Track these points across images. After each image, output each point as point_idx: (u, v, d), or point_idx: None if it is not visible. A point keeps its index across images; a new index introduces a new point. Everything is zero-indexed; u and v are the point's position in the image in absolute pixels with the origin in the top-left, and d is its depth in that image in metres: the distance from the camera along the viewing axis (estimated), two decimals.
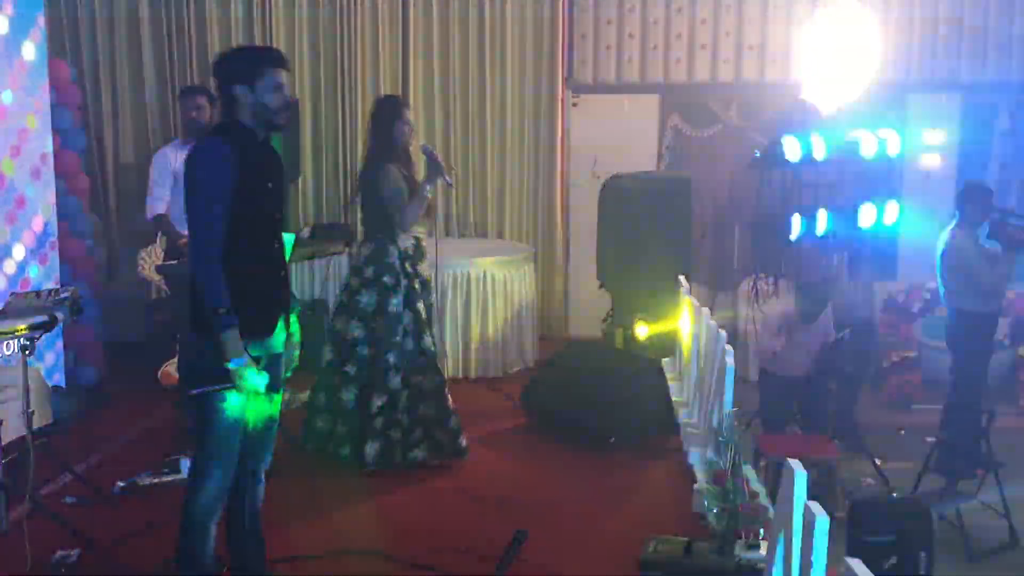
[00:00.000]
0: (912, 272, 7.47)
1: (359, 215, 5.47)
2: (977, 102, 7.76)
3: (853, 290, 6.74)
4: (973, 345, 5.74)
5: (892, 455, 5.96)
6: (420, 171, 4.95)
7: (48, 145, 5.78)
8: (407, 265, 4.87)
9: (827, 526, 2.31)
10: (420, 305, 4.90)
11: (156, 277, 6.03)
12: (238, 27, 7.63)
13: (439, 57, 7.75)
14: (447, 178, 4.83)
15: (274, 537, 3.70)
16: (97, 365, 6.33)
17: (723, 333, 4.64)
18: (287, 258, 3.53)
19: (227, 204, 3.11)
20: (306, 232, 7.53)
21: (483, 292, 6.75)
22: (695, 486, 4.37)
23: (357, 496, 4.68)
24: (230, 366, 3.10)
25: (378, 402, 4.81)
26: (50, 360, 5.76)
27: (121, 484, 4.66)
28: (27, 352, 4.10)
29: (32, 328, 4.08)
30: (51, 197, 5.79)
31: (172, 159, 5.38)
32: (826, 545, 2.32)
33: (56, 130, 5.89)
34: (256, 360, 3.20)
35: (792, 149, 5.86)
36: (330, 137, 7.80)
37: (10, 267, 5.46)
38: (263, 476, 3.51)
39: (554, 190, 7.87)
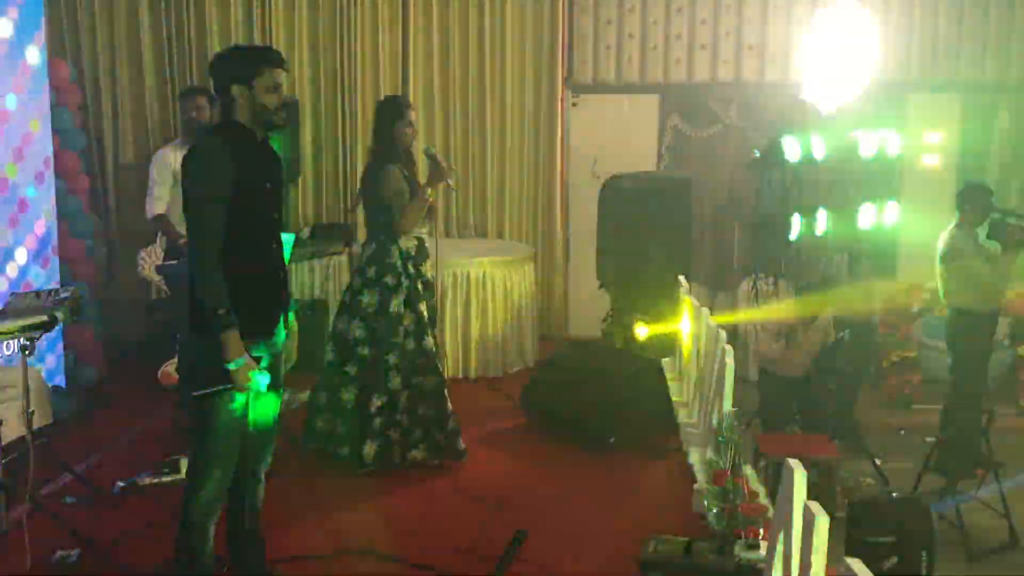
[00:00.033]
0: (912, 272, 7.46)
1: (361, 216, 5.48)
2: (977, 102, 7.76)
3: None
4: (973, 345, 5.74)
5: (892, 455, 5.96)
6: (422, 171, 4.96)
7: (50, 148, 5.78)
8: (409, 265, 4.87)
9: (827, 526, 2.31)
10: (422, 306, 4.91)
11: (156, 277, 6.03)
12: (238, 27, 7.62)
13: (439, 57, 7.75)
14: (449, 182, 4.85)
15: (274, 537, 3.70)
16: (97, 365, 6.33)
17: (723, 333, 4.65)
18: (287, 258, 3.53)
19: (225, 204, 3.12)
20: (306, 232, 7.53)
21: (483, 292, 6.75)
22: (695, 486, 4.37)
23: (357, 496, 4.68)
24: (231, 367, 3.11)
25: (378, 402, 4.81)
26: (51, 362, 5.76)
27: (121, 484, 4.66)
28: (27, 352, 4.10)
29: (31, 328, 4.08)
30: (53, 201, 5.80)
31: (172, 159, 5.39)
32: (826, 545, 2.32)
33: (56, 130, 5.90)
34: (257, 360, 3.21)
35: (792, 149, 5.87)
36: (330, 137, 7.80)
37: (12, 271, 5.46)
38: (263, 476, 3.51)
39: (554, 190, 7.87)
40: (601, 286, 6.84)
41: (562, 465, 5.21)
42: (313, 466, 4.96)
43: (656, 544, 3.76)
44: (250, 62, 3.23)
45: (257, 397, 3.31)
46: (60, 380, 5.84)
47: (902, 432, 6.49)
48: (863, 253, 6.40)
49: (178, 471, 4.67)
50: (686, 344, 5.69)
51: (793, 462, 2.58)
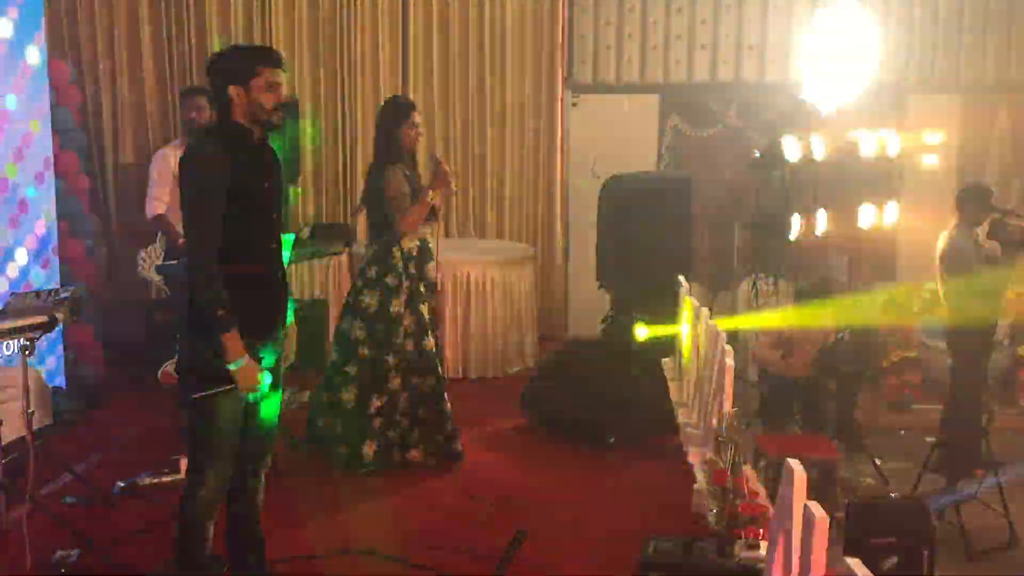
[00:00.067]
0: (912, 272, 7.46)
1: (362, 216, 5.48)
2: (977, 102, 7.76)
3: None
4: (973, 345, 5.73)
5: (892, 455, 5.95)
6: (425, 173, 4.97)
7: (50, 149, 5.78)
8: (411, 266, 4.88)
9: (827, 526, 2.31)
10: (423, 307, 4.91)
11: (156, 277, 6.03)
12: (238, 27, 7.62)
13: (439, 57, 7.75)
14: (451, 190, 4.85)
15: (274, 537, 3.70)
16: (97, 365, 6.33)
17: (723, 333, 4.64)
18: (286, 258, 3.52)
19: (222, 204, 3.11)
20: (306, 232, 7.52)
21: (483, 292, 6.75)
22: (695, 486, 4.36)
23: (356, 496, 4.68)
24: (231, 367, 3.10)
25: (377, 403, 4.82)
26: (51, 362, 5.76)
27: (121, 484, 4.66)
28: (27, 352, 4.10)
29: (31, 328, 4.08)
30: (53, 201, 5.80)
31: (172, 159, 5.38)
32: (826, 545, 2.32)
33: (56, 130, 5.89)
34: (259, 360, 3.20)
35: (792, 149, 5.87)
36: (330, 137, 7.80)
37: (13, 271, 5.46)
38: (263, 476, 3.51)
39: (554, 190, 7.87)
40: (601, 286, 6.83)
41: (562, 465, 5.21)
42: (313, 466, 4.96)
43: (656, 544, 3.76)
44: (247, 62, 3.22)
45: (255, 397, 3.30)
46: (60, 380, 5.84)
47: (902, 432, 6.49)
48: (863, 253, 6.41)
49: (178, 471, 4.66)
50: (686, 344, 5.68)
51: (793, 462, 2.58)
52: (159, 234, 5.88)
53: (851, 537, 4.18)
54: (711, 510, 3.67)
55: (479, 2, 7.68)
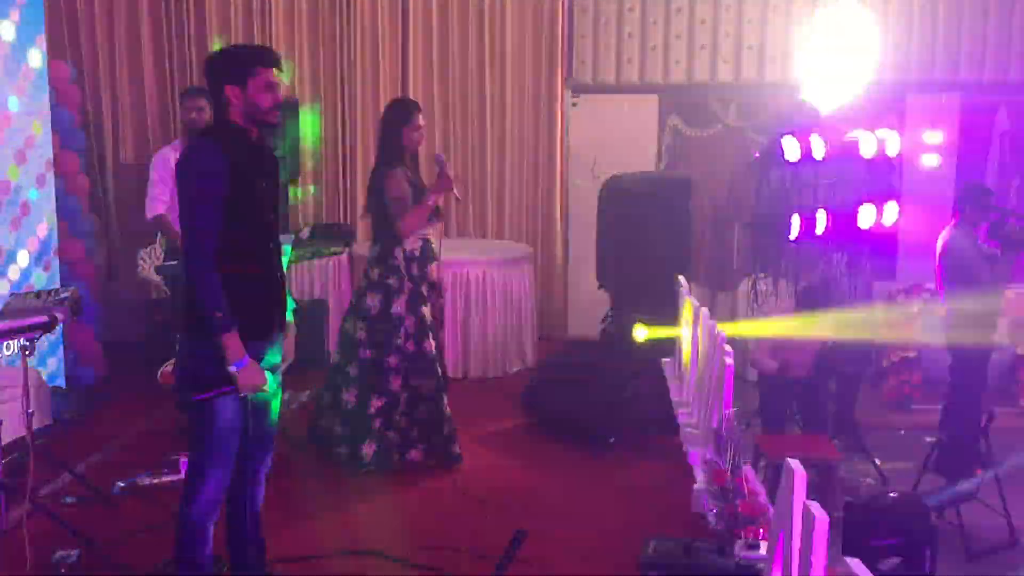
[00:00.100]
0: (912, 272, 7.46)
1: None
2: (977, 102, 7.76)
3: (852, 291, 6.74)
4: (973, 345, 5.73)
5: (892, 455, 5.95)
6: (426, 174, 4.97)
7: (51, 151, 5.78)
8: (413, 267, 4.88)
9: (827, 526, 2.31)
10: (425, 308, 4.91)
11: (156, 277, 6.04)
12: (238, 27, 7.62)
13: (439, 57, 7.75)
14: (455, 192, 4.85)
15: (274, 537, 3.70)
16: (97, 365, 6.33)
17: (722, 333, 4.64)
18: (285, 259, 3.52)
19: (220, 205, 3.10)
20: (306, 232, 7.52)
21: (483, 292, 6.75)
22: (695, 486, 4.36)
23: (356, 496, 4.68)
24: (231, 369, 3.10)
25: (377, 403, 4.82)
26: (51, 363, 5.76)
27: (121, 484, 4.66)
28: (27, 352, 4.10)
29: (31, 328, 4.08)
30: (54, 203, 5.80)
31: (172, 160, 5.37)
32: (826, 545, 2.32)
33: (56, 130, 5.90)
34: (259, 360, 3.20)
35: (792, 149, 5.86)
36: (330, 137, 7.80)
37: (14, 273, 5.46)
38: (263, 477, 3.51)
39: (554, 190, 7.87)
40: (601, 286, 6.83)
41: (562, 465, 5.21)
42: (313, 466, 4.96)
43: (656, 544, 3.77)
44: (244, 62, 3.21)
45: (256, 398, 3.30)
46: (60, 380, 5.84)
47: (902, 432, 6.49)
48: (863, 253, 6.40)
49: (178, 471, 4.67)
50: (686, 344, 5.68)
51: (793, 462, 2.58)
52: (159, 234, 5.88)
53: (851, 537, 4.18)
54: (711, 510, 3.67)
55: (479, 2, 7.68)
